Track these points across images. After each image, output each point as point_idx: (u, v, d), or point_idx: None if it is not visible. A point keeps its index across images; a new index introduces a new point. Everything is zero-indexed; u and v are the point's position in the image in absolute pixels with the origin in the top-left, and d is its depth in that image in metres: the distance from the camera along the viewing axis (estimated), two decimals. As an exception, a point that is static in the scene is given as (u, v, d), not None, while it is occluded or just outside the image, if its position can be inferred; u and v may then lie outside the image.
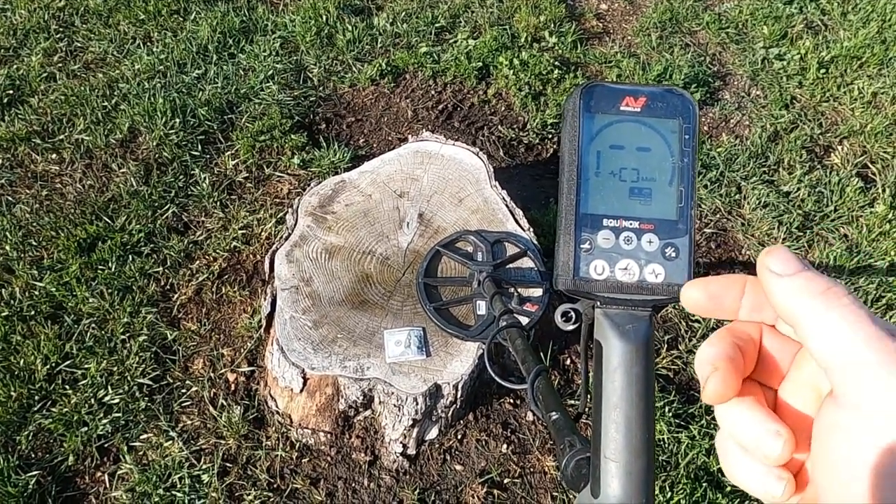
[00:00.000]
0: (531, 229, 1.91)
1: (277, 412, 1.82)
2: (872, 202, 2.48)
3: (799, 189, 2.49)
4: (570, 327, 0.49)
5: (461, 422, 1.82)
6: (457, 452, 1.79)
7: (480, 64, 2.83)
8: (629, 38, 3.15)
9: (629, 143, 0.45)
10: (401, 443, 1.73)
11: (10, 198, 2.32)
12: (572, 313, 0.48)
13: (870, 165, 2.62)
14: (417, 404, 1.63)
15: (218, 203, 2.32)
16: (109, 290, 2.05)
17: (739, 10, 3.25)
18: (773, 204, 2.44)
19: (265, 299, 1.81)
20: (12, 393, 1.83)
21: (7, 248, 2.15)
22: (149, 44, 2.91)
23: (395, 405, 1.64)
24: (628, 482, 0.41)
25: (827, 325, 0.33)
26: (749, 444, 0.37)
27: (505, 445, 1.80)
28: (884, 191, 2.50)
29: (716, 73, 2.99)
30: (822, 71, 2.95)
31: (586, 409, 0.56)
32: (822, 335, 0.33)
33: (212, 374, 1.91)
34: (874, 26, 3.13)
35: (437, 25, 3.06)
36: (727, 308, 0.39)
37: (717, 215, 2.43)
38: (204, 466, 1.74)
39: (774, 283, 0.36)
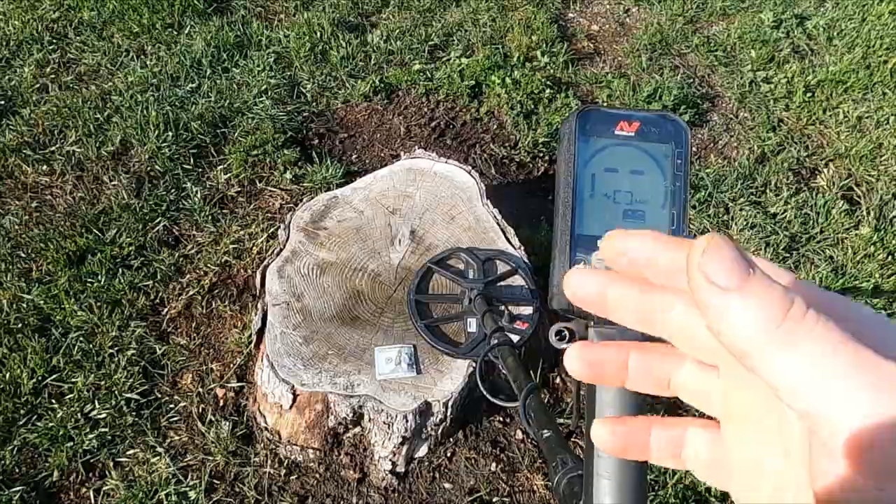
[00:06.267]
0: (522, 247, 1.92)
1: (266, 428, 1.81)
2: (857, 224, 2.52)
3: (786, 211, 2.53)
4: (565, 345, 0.50)
5: (451, 440, 1.81)
6: (446, 470, 1.78)
7: (473, 82, 2.85)
8: (620, 59, 3.19)
9: (623, 167, 0.46)
10: (390, 460, 1.73)
11: (-1, 209, 2.30)
12: (566, 332, 0.49)
13: (855, 188, 2.66)
14: (407, 422, 1.63)
15: (209, 217, 2.32)
16: (98, 304, 2.03)
17: (728, 34, 3.30)
18: (760, 225, 2.46)
19: (256, 314, 1.81)
20: (-3, 407, 1.81)
21: (-5, 259, 2.13)
22: (142, 57, 2.91)
23: (384, 422, 1.64)
24: (621, 499, 0.42)
25: (792, 367, 0.26)
26: None
27: (494, 464, 1.79)
28: (868, 213, 2.54)
29: (704, 94, 3.03)
30: (809, 95, 3.01)
31: (578, 427, 0.57)
32: (785, 378, 0.26)
33: (200, 390, 1.90)
34: (859, 52, 3.19)
35: (430, 43, 3.09)
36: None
37: (706, 235, 2.45)
38: (191, 483, 1.73)
39: (714, 301, 0.27)
